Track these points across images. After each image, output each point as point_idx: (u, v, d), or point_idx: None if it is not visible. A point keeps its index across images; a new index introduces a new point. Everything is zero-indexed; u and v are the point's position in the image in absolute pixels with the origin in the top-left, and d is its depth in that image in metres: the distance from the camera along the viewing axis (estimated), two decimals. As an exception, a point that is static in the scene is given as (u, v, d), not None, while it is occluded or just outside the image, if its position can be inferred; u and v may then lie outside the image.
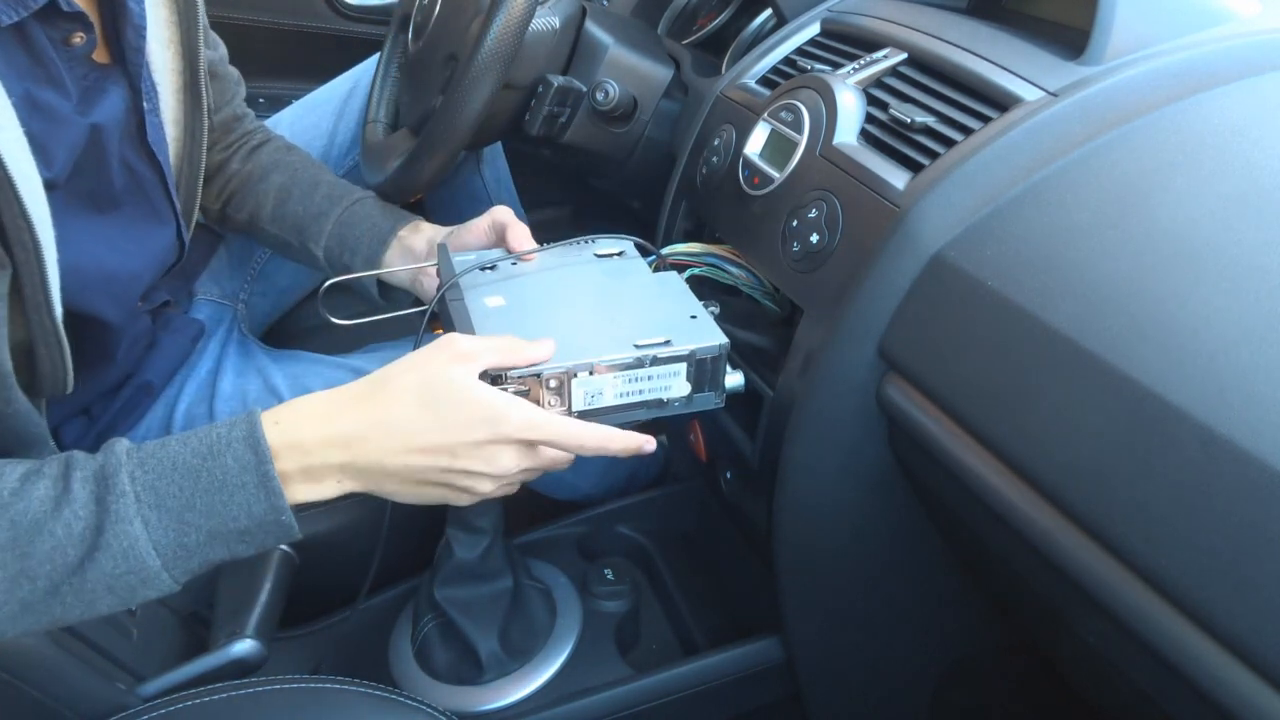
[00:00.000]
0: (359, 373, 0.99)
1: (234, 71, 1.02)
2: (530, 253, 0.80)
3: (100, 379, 0.85)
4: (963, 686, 0.95)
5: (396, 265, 0.92)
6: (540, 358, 0.64)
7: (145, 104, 0.77)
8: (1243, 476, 0.45)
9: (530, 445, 0.62)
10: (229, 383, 0.97)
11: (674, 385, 0.67)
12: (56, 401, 0.76)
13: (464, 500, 0.63)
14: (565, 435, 0.62)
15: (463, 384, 0.60)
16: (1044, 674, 0.93)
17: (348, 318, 0.80)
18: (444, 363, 0.60)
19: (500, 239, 0.83)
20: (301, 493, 0.59)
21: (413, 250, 0.91)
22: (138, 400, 0.92)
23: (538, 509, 1.13)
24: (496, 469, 0.61)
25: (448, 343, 0.62)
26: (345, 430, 0.59)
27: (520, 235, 0.81)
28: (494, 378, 0.63)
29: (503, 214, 0.83)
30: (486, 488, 0.62)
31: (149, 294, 0.89)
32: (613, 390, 0.66)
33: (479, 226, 0.85)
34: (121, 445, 0.58)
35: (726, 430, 0.86)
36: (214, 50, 0.96)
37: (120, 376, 0.88)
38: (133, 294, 0.82)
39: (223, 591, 0.84)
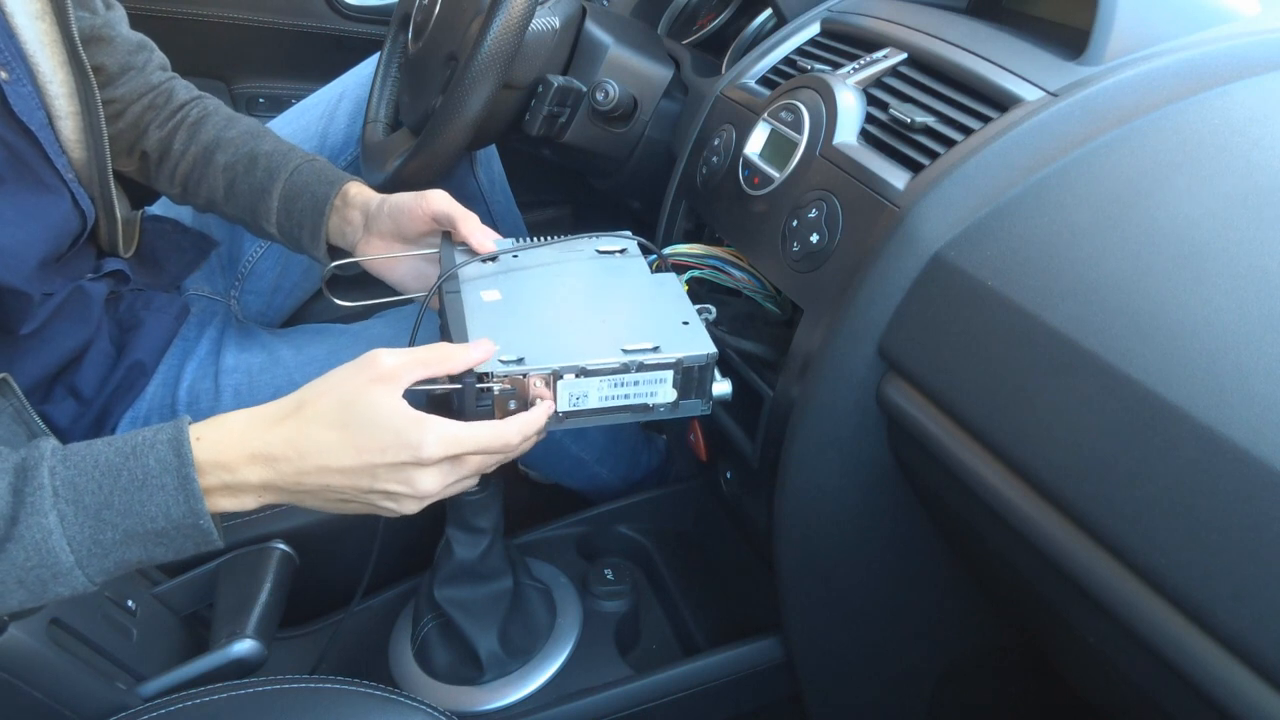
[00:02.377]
0: (362, 338, 0.99)
1: (135, 36, 0.98)
2: (532, 246, 0.79)
3: (31, 349, 0.84)
4: (962, 685, 0.95)
5: (335, 235, 0.89)
6: (470, 362, 0.63)
7: (3, 74, 0.77)
8: (1243, 476, 0.45)
9: (455, 460, 0.61)
10: (232, 357, 0.97)
11: (660, 391, 0.68)
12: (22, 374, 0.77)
13: (390, 515, 0.63)
14: (488, 439, 0.61)
15: (381, 405, 0.59)
16: (1044, 674, 0.93)
17: (353, 300, 0.80)
18: (363, 384, 0.59)
19: (449, 229, 0.80)
20: (222, 504, 0.59)
21: (351, 222, 0.88)
22: (132, 380, 0.92)
23: (538, 509, 1.13)
24: (418, 490, 0.60)
25: (369, 362, 0.61)
26: (265, 449, 0.58)
27: (473, 227, 0.78)
28: (479, 375, 0.63)
29: (442, 203, 0.80)
30: (411, 507, 0.62)
31: (73, 259, 0.88)
32: (598, 393, 0.66)
33: (417, 214, 0.81)
34: (48, 443, 0.58)
35: (726, 430, 0.86)
36: (98, 14, 0.93)
37: (75, 347, 0.87)
38: (27, 261, 0.80)
39: (223, 591, 0.84)
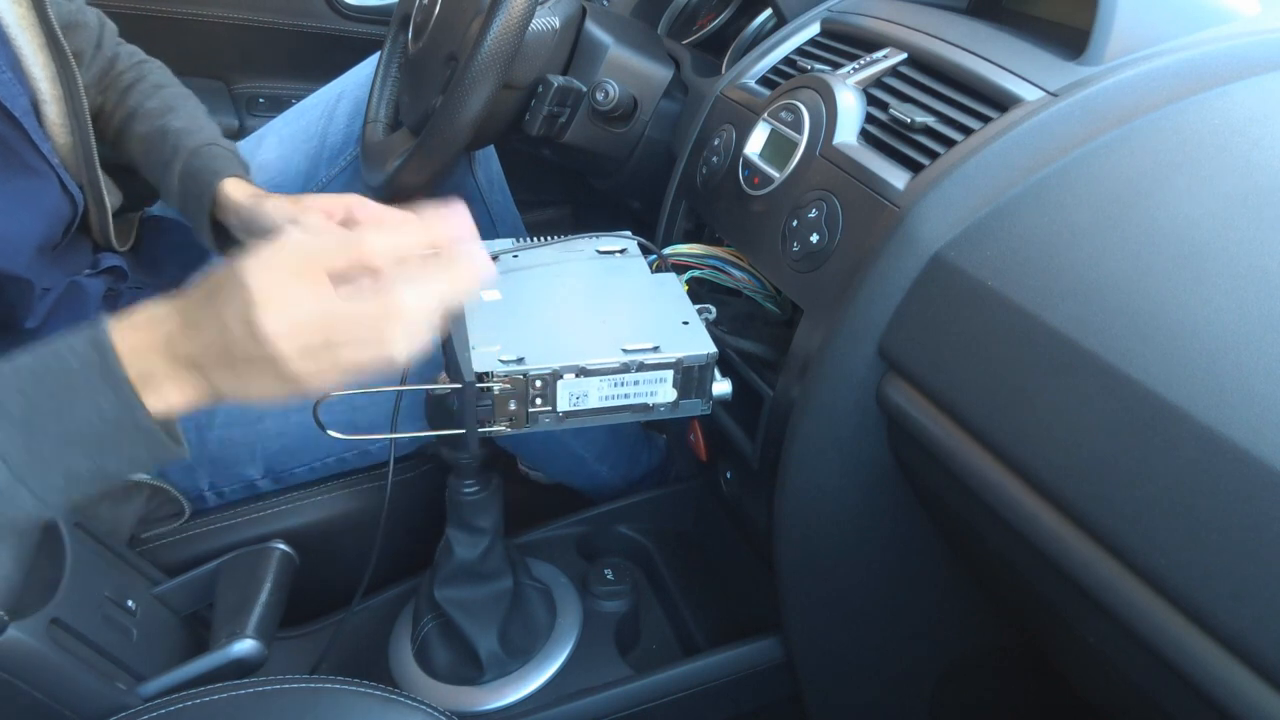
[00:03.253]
0: None
1: (92, 14, 1.01)
2: (532, 246, 0.80)
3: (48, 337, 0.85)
4: (962, 685, 0.95)
5: (229, 227, 0.90)
6: (378, 246, 0.55)
7: None
8: (1243, 476, 0.45)
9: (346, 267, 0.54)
10: None
11: (660, 391, 0.68)
12: None
13: (323, 377, 0.55)
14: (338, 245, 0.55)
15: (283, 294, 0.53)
16: (1044, 674, 0.93)
17: None
18: (275, 277, 0.54)
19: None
20: (151, 401, 0.55)
21: (232, 225, 0.89)
22: None
23: (538, 509, 1.13)
24: (301, 313, 0.53)
25: (280, 251, 0.55)
26: (167, 327, 0.55)
27: (374, 216, 0.77)
28: (479, 375, 0.63)
29: (345, 205, 0.79)
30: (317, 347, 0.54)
31: (68, 252, 0.89)
32: (598, 393, 0.67)
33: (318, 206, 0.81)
34: None
35: (726, 430, 0.86)
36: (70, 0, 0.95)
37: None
38: (24, 249, 0.80)
39: (223, 591, 0.84)
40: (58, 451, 0.54)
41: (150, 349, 0.55)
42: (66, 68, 0.86)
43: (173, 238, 1.06)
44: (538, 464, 1.30)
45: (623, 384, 0.67)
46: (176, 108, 0.98)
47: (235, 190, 0.90)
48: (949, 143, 0.70)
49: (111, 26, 1.03)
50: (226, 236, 0.92)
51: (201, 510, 0.97)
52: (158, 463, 0.57)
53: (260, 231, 0.84)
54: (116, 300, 0.95)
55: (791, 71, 0.92)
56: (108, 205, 0.93)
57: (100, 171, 0.92)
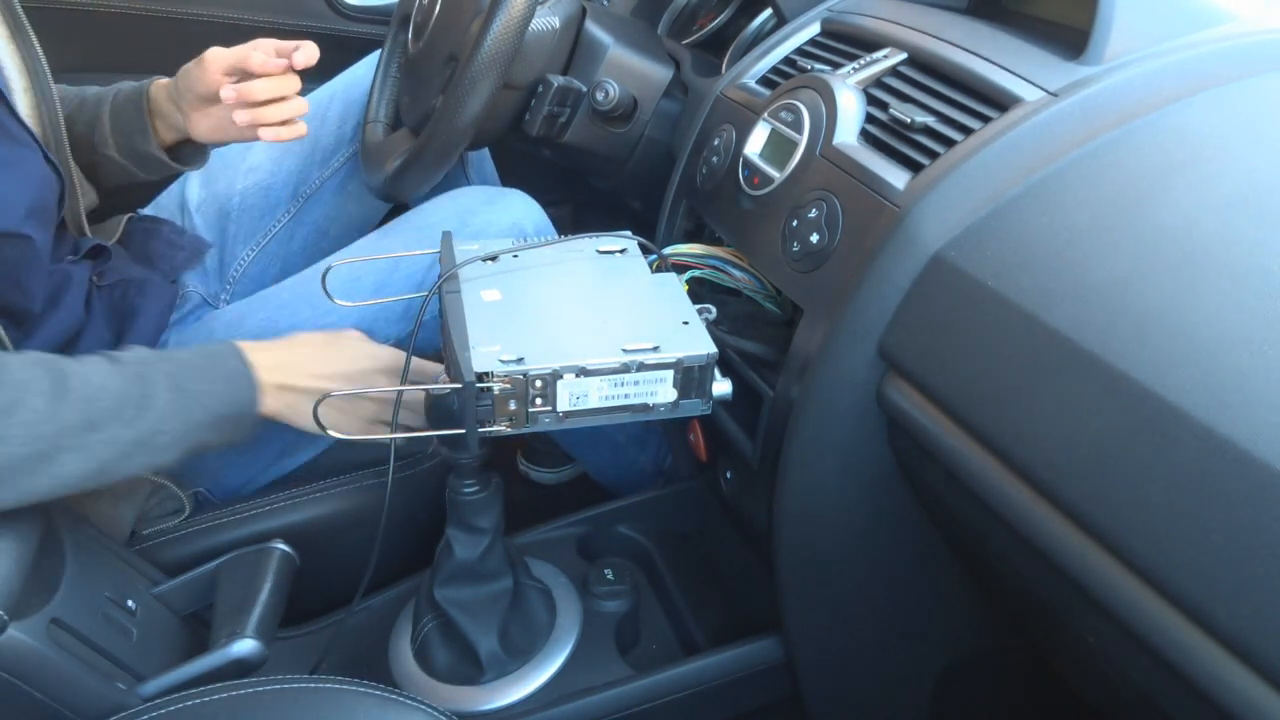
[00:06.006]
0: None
1: None
2: (532, 246, 0.80)
3: (19, 339, 0.85)
4: (962, 685, 0.95)
5: (166, 129, 0.98)
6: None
7: None
8: (1243, 476, 0.45)
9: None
10: (227, 320, 1.00)
11: (660, 391, 0.68)
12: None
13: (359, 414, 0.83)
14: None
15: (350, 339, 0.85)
16: (1044, 674, 0.93)
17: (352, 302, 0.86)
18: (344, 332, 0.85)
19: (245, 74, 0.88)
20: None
21: (166, 114, 0.97)
22: None
23: (538, 509, 1.13)
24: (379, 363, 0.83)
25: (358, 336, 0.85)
26: (305, 354, 0.80)
27: (260, 57, 0.87)
28: (479, 375, 0.63)
29: (224, 59, 0.90)
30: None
31: (57, 232, 0.91)
32: (598, 393, 0.67)
33: (205, 79, 0.90)
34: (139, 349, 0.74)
35: (726, 430, 0.86)
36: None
37: (64, 330, 0.89)
38: (15, 206, 0.82)
39: (223, 591, 0.84)
40: (192, 431, 0.73)
41: (281, 367, 0.78)
42: (33, 57, 0.88)
43: (166, 237, 1.06)
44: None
45: (623, 384, 0.67)
46: (86, 87, 1.05)
47: (159, 85, 0.98)
48: (949, 143, 0.70)
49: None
50: (177, 153, 1.00)
51: (201, 507, 0.97)
52: (243, 441, 0.79)
53: (198, 85, 0.91)
54: (112, 291, 0.95)
55: (791, 71, 0.92)
56: (78, 193, 0.95)
57: (73, 163, 0.93)
